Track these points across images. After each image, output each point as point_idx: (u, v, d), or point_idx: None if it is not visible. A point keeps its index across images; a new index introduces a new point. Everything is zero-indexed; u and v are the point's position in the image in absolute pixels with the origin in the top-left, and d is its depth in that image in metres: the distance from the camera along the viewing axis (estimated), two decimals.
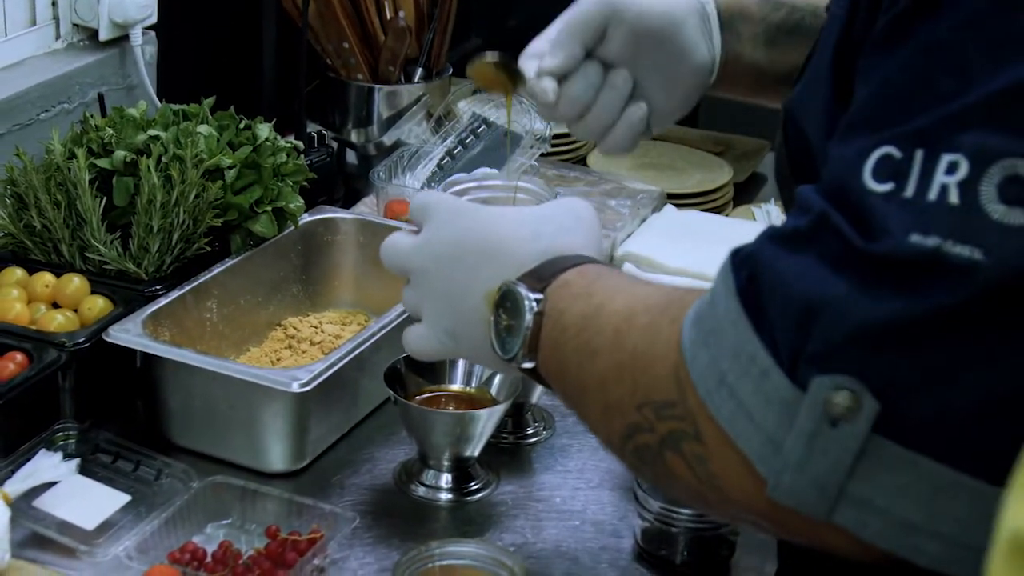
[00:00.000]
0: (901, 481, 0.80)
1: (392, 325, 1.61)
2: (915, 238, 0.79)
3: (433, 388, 1.59)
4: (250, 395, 1.51)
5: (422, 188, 1.95)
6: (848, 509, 0.81)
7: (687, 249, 2.01)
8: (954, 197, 0.79)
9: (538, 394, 1.65)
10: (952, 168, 0.79)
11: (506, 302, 1.10)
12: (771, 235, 0.89)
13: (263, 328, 1.81)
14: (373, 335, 1.58)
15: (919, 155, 0.80)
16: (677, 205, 2.16)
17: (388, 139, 2.19)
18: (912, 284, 0.79)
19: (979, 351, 0.78)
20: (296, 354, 1.77)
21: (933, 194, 0.79)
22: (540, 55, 1.37)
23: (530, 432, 1.67)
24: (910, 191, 0.80)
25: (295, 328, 1.81)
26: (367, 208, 2.06)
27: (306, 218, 1.85)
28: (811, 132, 1.00)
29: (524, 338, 1.08)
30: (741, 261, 0.90)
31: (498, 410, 1.51)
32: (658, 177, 2.28)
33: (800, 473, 0.82)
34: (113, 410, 1.63)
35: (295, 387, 1.48)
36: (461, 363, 1.60)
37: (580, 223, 1.17)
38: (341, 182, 2.19)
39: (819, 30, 1.32)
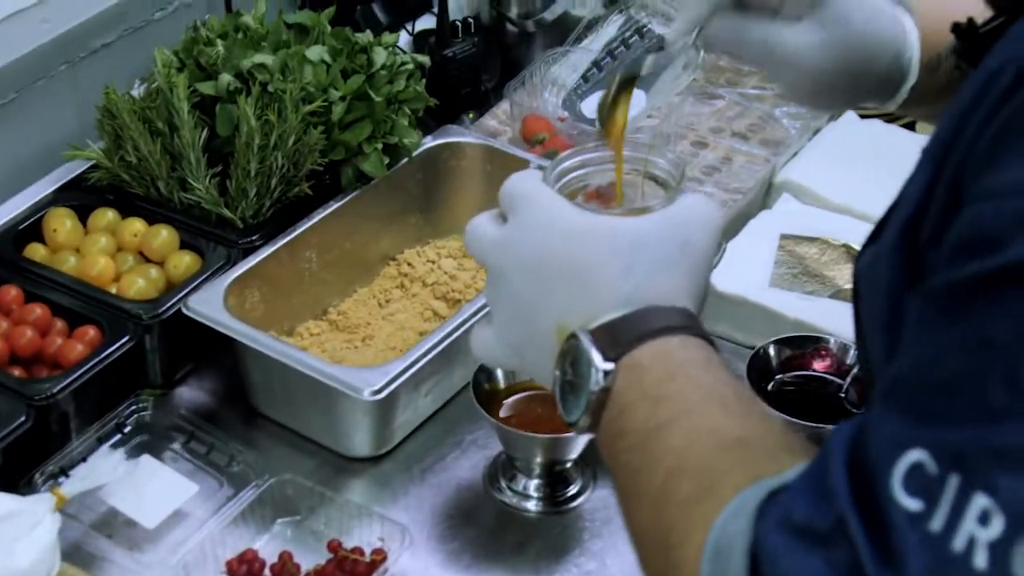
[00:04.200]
0: None
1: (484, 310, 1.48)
2: None
3: (529, 384, 1.47)
4: (327, 388, 1.41)
5: (564, 102, 1.78)
6: None
7: (858, 177, 1.81)
8: (981, 560, 0.66)
9: None
10: (985, 518, 0.67)
11: (572, 355, 0.94)
12: (783, 521, 0.77)
13: (376, 263, 1.71)
14: (456, 329, 1.46)
15: (953, 482, 0.68)
16: (862, 113, 1.94)
17: (551, 14, 1.99)
18: None
19: None
20: (407, 296, 1.67)
21: (960, 543, 0.67)
22: None
23: None
24: (937, 525, 0.68)
25: (409, 265, 1.70)
26: (502, 117, 1.90)
27: (428, 142, 1.72)
28: (871, 308, 0.86)
29: (587, 406, 0.93)
30: (756, 539, 0.78)
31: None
32: None
33: None
34: (199, 368, 1.57)
35: (367, 395, 1.38)
36: None
37: (685, 254, 0.96)
38: (497, 61, 2.02)
39: None
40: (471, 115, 1.94)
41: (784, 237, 1.73)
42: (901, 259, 0.80)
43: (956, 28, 0.98)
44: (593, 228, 0.96)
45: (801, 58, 1.16)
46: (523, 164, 1.69)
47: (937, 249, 0.76)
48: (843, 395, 1.46)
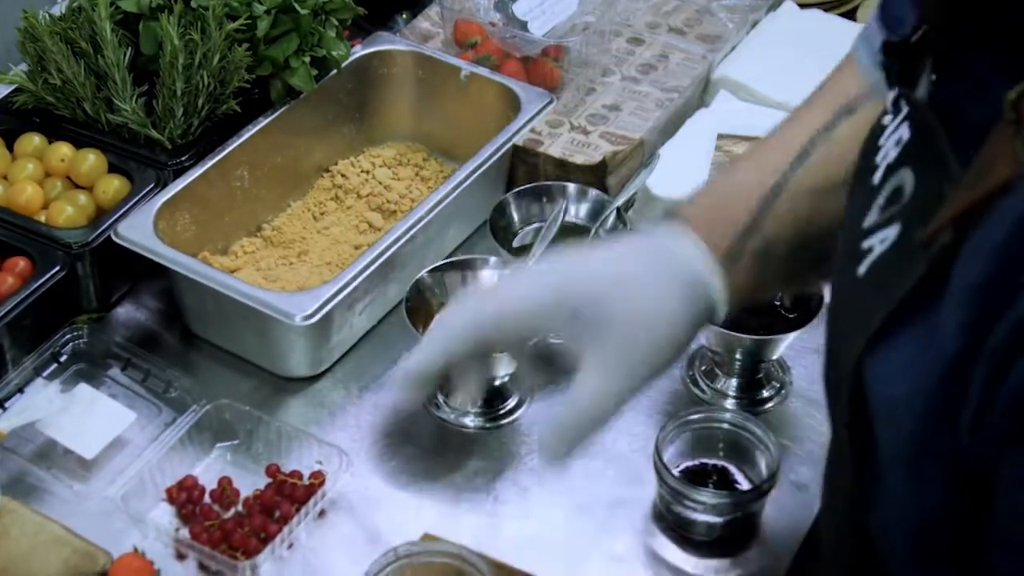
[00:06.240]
0: None
1: (418, 225, 1.48)
2: None
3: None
4: (260, 312, 1.41)
5: (496, 4, 1.75)
6: None
7: (796, 71, 1.78)
8: None
9: None
10: None
11: None
12: None
13: (310, 176, 1.69)
14: (388, 247, 1.45)
15: None
16: (800, 2, 1.91)
17: None
18: None
19: None
20: (342, 209, 1.66)
21: None
22: None
23: None
24: None
25: (343, 176, 1.69)
26: (435, 19, 1.87)
27: (357, 52, 1.69)
28: (890, 437, 0.79)
29: None
30: None
31: None
32: None
33: None
34: (136, 288, 1.57)
35: (299, 320, 1.38)
36: (487, 277, 1.47)
37: None
38: None
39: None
40: (404, 15, 1.92)
41: (721, 136, 1.72)
42: (943, 404, 0.73)
43: (886, 46, 0.91)
44: None
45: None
46: (454, 71, 1.69)
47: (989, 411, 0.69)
48: (778, 303, 1.46)
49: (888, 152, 0.86)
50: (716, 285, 1.07)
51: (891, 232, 0.81)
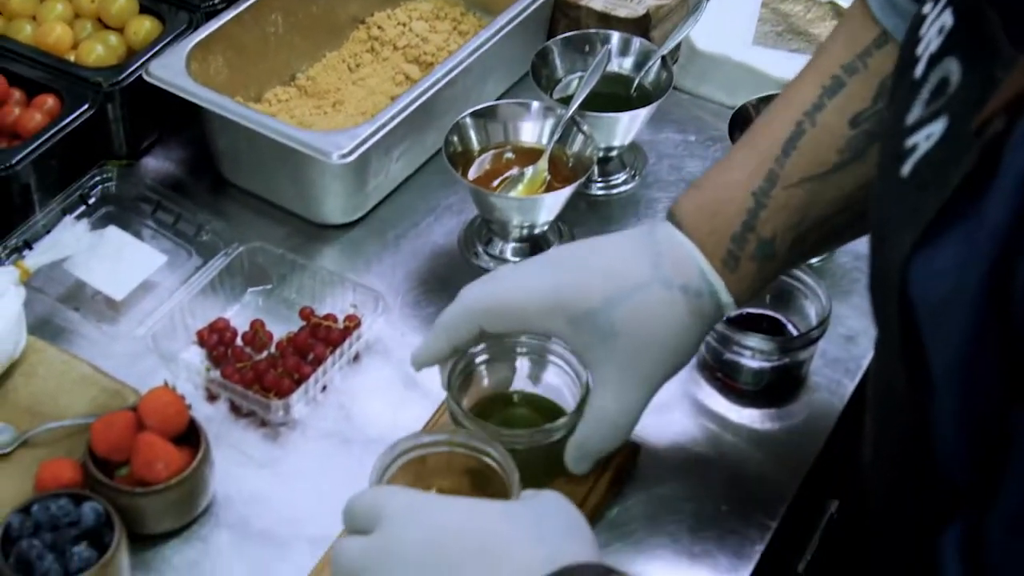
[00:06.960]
0: None
1: (456, 70, 1.44)
2: None
3: (502, 145, 1.42)
4: (296, 154, 1.37)
5: None
6: None
7: None
8: None
9: (629, 137, 1.48)
10: None
11: None
12: None
13: (345, 27, 1.64)
14: (427, 91, 1.41)
15: None
16: None
17: None
18: None
19: None
20: (377, 61, 1.61)
21: None
22: None
23: (617, 181, 1.51)
24: None
25: (379, 28, 1.64)
26: None
27: None
28: (940, 349, 0.72)
29: None
30: None
31: (569, 189, 1.35)
32: None
33: None
34: (165, 138, 1.53)
35: (335, 158, 1.34)
36: (529, 123, 1.42)
37: (579, 525, 0.94)
38: None
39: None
40: None
41: None
42: (990, 305, 0.67)
43: None
44: (484, 507, 0.93)
45: None
46: None
47: None
48: None
49: (930, 42, 0.80)
50: (720, 289, 1.08)
51: (937, 127, 0.75)
